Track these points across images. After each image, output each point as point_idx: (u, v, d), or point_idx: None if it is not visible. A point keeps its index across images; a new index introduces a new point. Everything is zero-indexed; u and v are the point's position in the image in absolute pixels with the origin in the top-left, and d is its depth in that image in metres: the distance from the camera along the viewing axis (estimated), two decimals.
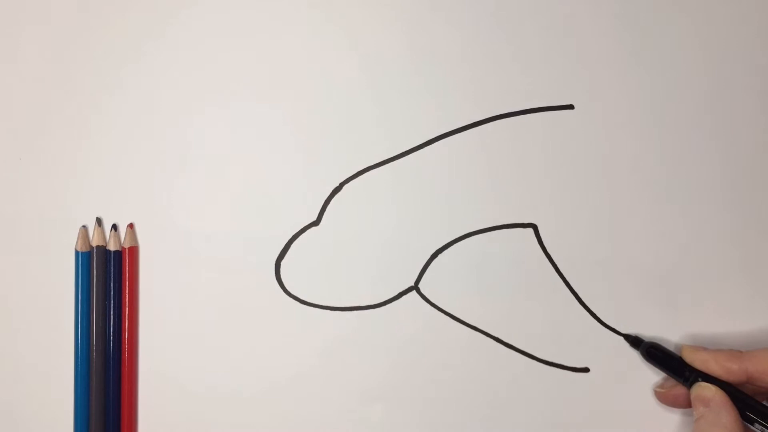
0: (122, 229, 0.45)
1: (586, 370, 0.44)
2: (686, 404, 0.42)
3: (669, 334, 0.44)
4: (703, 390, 0.40)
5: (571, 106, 0.44)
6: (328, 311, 0.45)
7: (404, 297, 0.45)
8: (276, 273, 0.45)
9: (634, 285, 0.44)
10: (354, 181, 0.44)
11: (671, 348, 0.43)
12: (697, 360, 0.41)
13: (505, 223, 0.44)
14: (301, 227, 0.45)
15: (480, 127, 0.44)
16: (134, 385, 0.45)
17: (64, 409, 0.45)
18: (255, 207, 0.45)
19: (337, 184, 0.45)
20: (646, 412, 0.44)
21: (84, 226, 0.45)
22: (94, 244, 0.45)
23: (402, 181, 0.44)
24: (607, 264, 0.44)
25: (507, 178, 0.44)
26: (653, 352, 0.43)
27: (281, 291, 0.45)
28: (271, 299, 0.45)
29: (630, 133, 0.44)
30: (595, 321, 0.44)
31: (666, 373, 0.43)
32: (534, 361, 0.44)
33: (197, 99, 0.45)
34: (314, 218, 0.45)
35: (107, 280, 0.45)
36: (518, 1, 0.44)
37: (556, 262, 0.44)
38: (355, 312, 0.45)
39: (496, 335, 0.44)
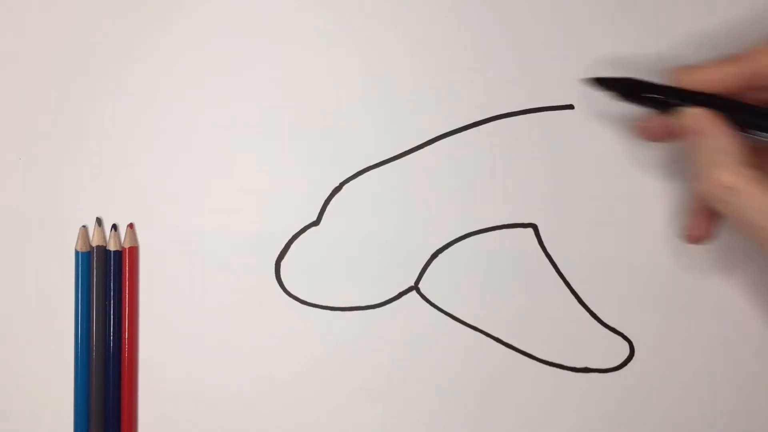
0: (122, 229, 0.45)
1: (586, 370, 0.44)
2: (670, 136, 0.37)
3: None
4: (691, 117, 0.35)
5: (571, 106, 0.44)
6: (328, 311, 0.45)
7: (404, 297, 0.45)
8: (276, 273, 0.45)
9: (634, 285, 0.44)
10: (354, 181, 0.44)
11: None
12: (688, 80, 0.36)
13: (505, 223, 0.44)
14: (301, 227, 0.45)
15: (480, 127, 0.44)
16: (134, 385, 0.45)
17: (64, 409, 0.45)
18: (255, 207, 0.45)
19: (337, 184, 0.45)
20: (646, 412, 0.44)
21: (84, 226, 0.45)
22: (94, 244, 0.45)
23: (402, 181, 0.44)
24: (606, 264, 0.44)
25: (507, 178, 0.44)
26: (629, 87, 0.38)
27: (281, 291, 0.45)
28: (271, 299, 0.45)
29: (629, 133, 0.44)
30: (595, 321, 0.44)
31: (644, 106, 0.38)
32: (534, 361, 0.44)
33: (197, 99, 0.45)
34: (314, 218, 0.45)
35: (107, 280, 0.45)
36: (519, 1, 0.44)
37: (556, 262, 0.44)
38: (355, 312, 0.45)
39: (496, 335, 0.44)
